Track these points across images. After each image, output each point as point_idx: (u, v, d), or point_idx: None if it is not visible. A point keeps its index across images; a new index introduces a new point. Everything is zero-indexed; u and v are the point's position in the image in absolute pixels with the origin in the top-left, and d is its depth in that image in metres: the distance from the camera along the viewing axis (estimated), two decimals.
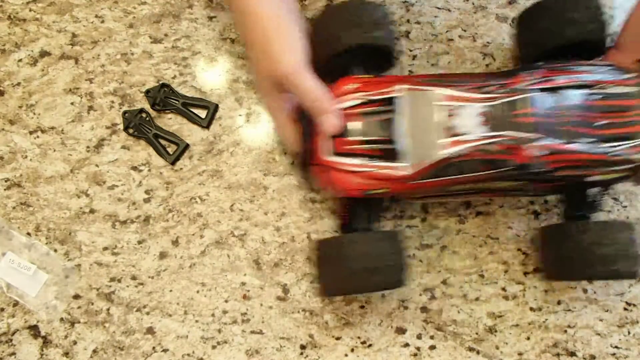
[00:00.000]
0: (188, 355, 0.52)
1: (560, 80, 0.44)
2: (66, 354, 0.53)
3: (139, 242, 0.55)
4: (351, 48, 0.47)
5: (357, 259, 0.45)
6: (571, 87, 0.44)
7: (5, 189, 0.56)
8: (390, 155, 0.45)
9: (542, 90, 0.44)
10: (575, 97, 0.44)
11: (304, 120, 0.47)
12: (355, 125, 0.46)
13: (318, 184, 0.48)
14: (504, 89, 0.45)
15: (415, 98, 0.45)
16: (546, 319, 0.53)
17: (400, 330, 0.53)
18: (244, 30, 0.49)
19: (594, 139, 0.43)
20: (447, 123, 0.44)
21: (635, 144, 0.43)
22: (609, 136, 0.43)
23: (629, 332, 0.53)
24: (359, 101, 0.46)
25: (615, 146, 0.43)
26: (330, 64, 0.49)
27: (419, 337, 0.53)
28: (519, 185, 0.47)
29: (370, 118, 0.46)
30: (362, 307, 0.53)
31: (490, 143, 0.43)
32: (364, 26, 0.47)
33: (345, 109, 0.46)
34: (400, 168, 0.45)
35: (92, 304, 0.53)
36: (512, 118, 0.43)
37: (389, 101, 0.46)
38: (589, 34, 0.47)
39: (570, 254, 0.46)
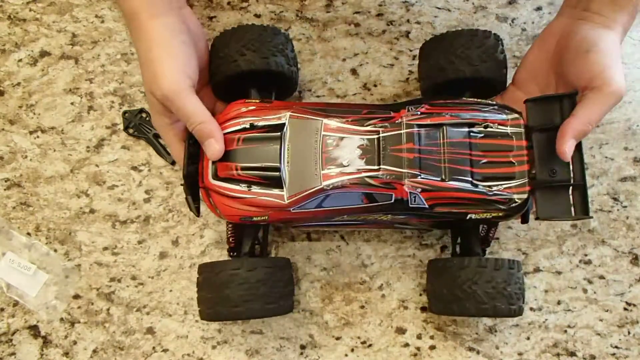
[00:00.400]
0: (188, 355, 0.52)
1: (443, 117, 0.45)
2: (66, 354, 0.53)
3: (139, 242, 0.55)
4: (246, 72, 0.47)
5: (235, 285, 0.45)
6: (454, 124, 0.44)
7: (5, 189, 0.56)
8: (270, 182, 0.44)
9: (424, 126, 0.44)
10: (457, 134, 0.44)
11: (190, 141, 0.46)
12: (237, 150, 0.45)
13: (206, 206, 0.47)
14: (386, 122, 0.45)
15: (299, 126, 0.45)
16: (546, 319, 0.53)
17: (400, 330, 0.53)
18: (132, 38, 0.48)
19: (474, 178, 0.43)
20: (327, 154, 0.44)
21: (515, 184, 0.43)
22: (489, 175, 0.44)
23: (629, 332, 0.53)
24: (243, 126, 0.46)
25: (495, 185, 0.43)
26: (229, 86, 0.49)
27: (419, 337, 0.53)
28: (401, 219, 0.47)
29: (253, 144, 0.45)
30: (362, 307, 0.53)
31: (368, 176, 0.44)
32: (260, 51, 0.47)
33: (229, 133, 0.45)
34: (278, 196, 0.44)
35: (92, 304, 0.53)
36: (392, 152, 0.44)
37: (274, 128, 0.45)
38: (483, 71, 0.48)
39: (446, 289, 0.46)
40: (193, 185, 0.46)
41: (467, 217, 0.45)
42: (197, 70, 0.46)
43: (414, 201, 0.44)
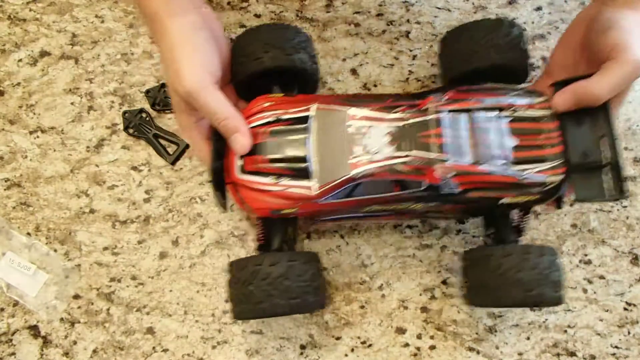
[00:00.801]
0: (188, 355, 0.52)
1: (470, 102, 0.44)
2: (66, 354, 0.53)
3: (139, 242, 0.55)
4: (270, 69, 0.47)
5: (267, 280, 0.43)
6: (481, 109, 0.44)
7: (5, 189, 0.56)
8: (299, 174, 0.44)
9: (452, 111, 0.44)
10: (485, 119, 0.44)
11: (216, 137, 0.46)
12: (264, 143, 0.45)
13: (235, 203, 0.47)
14: (413, 109, 0.45)
15: (326, 117, 0.45)
16: (546, 319, 0.53)
17: (400, 330, 0.53)
18: (154, 38, 0.47)
19: (505, 161, 0.43)
20: (355, 142, 0.44)
21: (547, 167, 0.43)
22: (520, 159, 0.43)
23: (629, 332, 0.53)
24: (269, 120, 0.46)
25: (526, 169, 0.43)
26: (252, 84, 0.49)
27: (419, 337, 0.53)
28: (432, 207, 0.46)
29: (280, 137, 0.45)
30: (362, 307, 0.53)
31: (398, 163, 0.43)
32: (284, 49, 0.47)
33: (256, 127, 0.45)
34: (307, 187, 0.44)
35: (92, 304, 0.53)
36: (421, 138, 0.43)
37: (300, 120, 0.45)
38: (510, 60, 0.48)
39: (490, 279, 0.45)
40: (220, 181, 0.46)
41: (500, 202, 0.44)
42: (219, 67, 0.46)
43: (446, 187, 0.43)
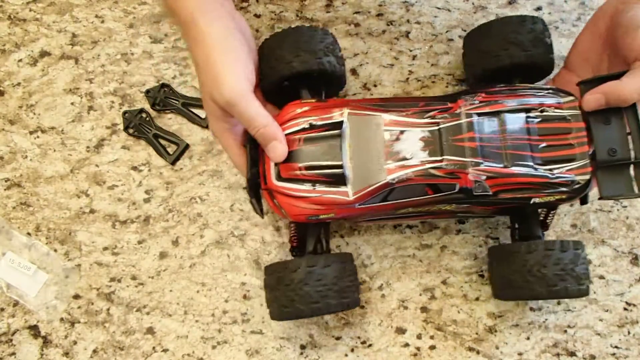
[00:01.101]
0: (188, 355, 0.52)
1: (500, 104, 0.45)
2: (66, 354, 0.53)
3: (139, 242, 0.55)
4: (301, 73, 0.47)
5: (290, 287, 0.44)
6: (511, 110, 0.45)
7: (5, 189, 0.56)
8: (336, 180, 0.45)
9: (482, 114, 0.45)
10: (515, 120, 0.45)
11: (251, 144, 0.46)
12: (299, 151, 0.45)
13: (270, 208, 0.48)
14: (445, 113, 0.45)
15: (359, 123, 0.46)
16: (546, 319, 0.53)
17: (400, 330, 0.53)
18: (188, 44, 0.47)
19: (535, 162, 0.44)
20: (389, 148, 0.45)
21: (576, 165, 0.44)
22: (549, 159, 0.44)
23: (629, 332, 0.53)
24: (303, 126, 0.46)
25: (556, 168, 0.44)
26: (280, 88, 0.49)
27: (419, 337, 0.53)
28: (464, 208, 0.47)
29: (314, 144, 0.45)
30: (362, 307, 0.53)
31: (432, 167, 0.44)
32: (314, 52, 0.47)
33: (290, 134, 0.46)
34: (343, 193, 0.45)
35: (92, 304, 0.53)
36: (453, 142, 0.44)
37: (334, 126, 0.46)
38: (534, 56, 0.48)
39: (514, 275, 0.46)
40: (256, 188, 0.47)
41: (531, 202, 0.45)
42: (254, 73, 0.46)
43: (479, 189, 0.44)
